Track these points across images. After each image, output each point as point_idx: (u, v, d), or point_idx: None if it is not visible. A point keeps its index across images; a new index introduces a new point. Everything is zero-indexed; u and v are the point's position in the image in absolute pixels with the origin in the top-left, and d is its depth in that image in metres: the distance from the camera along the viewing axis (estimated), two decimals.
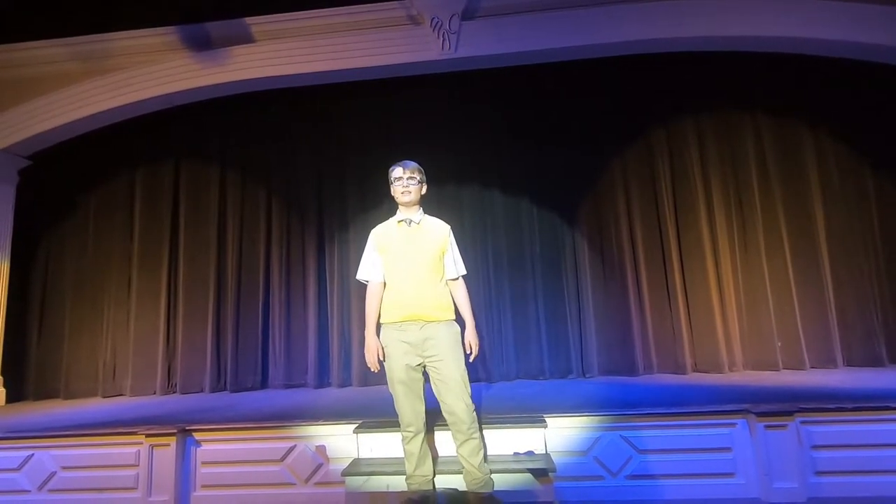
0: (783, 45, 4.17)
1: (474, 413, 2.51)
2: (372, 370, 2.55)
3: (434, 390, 2.50)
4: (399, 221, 2.63)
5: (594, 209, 4.69)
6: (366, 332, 2.59)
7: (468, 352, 2.56)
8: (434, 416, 2.68)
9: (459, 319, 2.60)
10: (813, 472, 2.78)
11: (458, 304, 2.63)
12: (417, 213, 2.63)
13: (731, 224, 4.53)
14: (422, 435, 2.54)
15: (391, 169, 2.64)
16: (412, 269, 2.52)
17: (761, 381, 3.82)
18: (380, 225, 2.71)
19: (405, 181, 2.58)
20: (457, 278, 2.65)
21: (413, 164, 2.63)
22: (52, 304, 5.02)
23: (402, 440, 2.55)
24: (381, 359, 2.54)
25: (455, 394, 2.44)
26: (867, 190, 4.48)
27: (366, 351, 2.56)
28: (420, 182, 2.62)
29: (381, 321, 2.57)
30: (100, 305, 4.97)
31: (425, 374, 2.55)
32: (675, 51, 4.32)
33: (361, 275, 2.68)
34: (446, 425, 2.56)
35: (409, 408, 2.50)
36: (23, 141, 4.63)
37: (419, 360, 2.49)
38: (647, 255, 4.53)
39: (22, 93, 4.62)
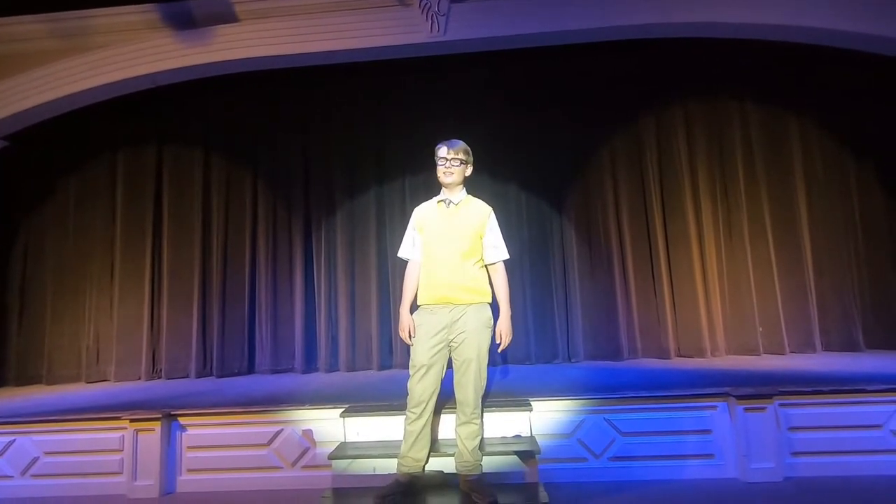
0: (773, 33, 4.17)
1: (481, 399, 2.53)
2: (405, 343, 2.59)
3: (454, 368, 2.52)
4: (439, 202, 2.63)
5: (582, 196, 4.71)
6: (401, 308, 2.62)
7: (498, 341, 2.53)
8: (442, 402, 2.69)
9: (495, 303, 2.58)
10: (790, 452, 2.87)
11: (495, 290, 2.59)
12: (458, 195, 2.62)
13: (717, 212, 4.58)
14: (425, 419, 2.51)
15: (437, 147, 2.61)
16: (447, 250, 2.52)
17: (742, 366, 3.89)
18: (423, 203, 2.72)
19: (448, 162, 2.56)
20: (495, 262, 2.61)
21: (460, 145, 2.60)
22: (33, 289, 4.91)
23: (406, 419, 2.54)
24: (412, 336, 2.55)
25: (468, 375, 2.46)
26: (849, 179, 4.54)
27: (399, 328, 2.59)
28: (463, 163, 2.59)
29: (417, 302, 2.57)
30: (82, 291, 4.88)
31: (449, 361, 2.55)
32: (665, 37, 4.31)
33: (402, 253, 2.71)
34: (451, 410, 2.58)
35: (423, 390, 2.47)
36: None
37: (445, 345, 2.49)
38: (634, 242, 4.57)
39: None
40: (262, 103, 4.95)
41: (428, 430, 2.56)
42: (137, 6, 4.35)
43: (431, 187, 4.48)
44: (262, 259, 4.82)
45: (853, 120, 4.53)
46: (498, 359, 4.50)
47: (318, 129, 4.93)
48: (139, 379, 4.66)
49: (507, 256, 2.65)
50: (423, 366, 2.47)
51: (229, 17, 4.35)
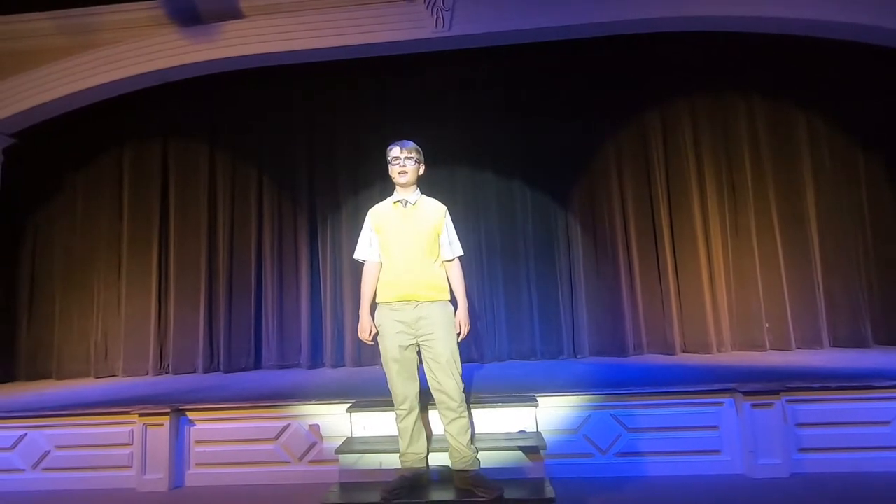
0: (778, 26, 4.14)
1: (463, 393, 2.54)
2: (366, 343, 2.64)
3: (426, 369, 2.53)
4: (395, 202, 2.63)
5: (587, 191, 4.69)
6: (360, 310, 2.64)
7: (457, 331, 2.57)
8: (428, 395, 2.71)
9: (455, 300, 2.61)
10: (797, 448, 2.86)
11: (452, 285, 2.64)
12: (414, 194, 2.63)
13: (723, 206, 4.55)
14: (415, 413, 2.57)
15: (389, 148, 2.63)
16: (407, 249, 2.54)
17: (748, 361, 3.88)
18: (377, 205, 2.73)
19: (402, 161, 2.58)
20: (452, 259, 2.65)
21: (411, 144, 2.62)
22: (42, 285, 4.96)
23: (396, 418, 2.58)
24: (373, 337, 2.59)
25: (445, 373, 2.47)
26: (857, 172, 4.50)
27: (359, 329, 2.62)
28: (417, 162, 2.62)
29: (377, 300, 2.60)
30: (90, 286, 4.91)
31: (419, 354, 2.57)
32: (671, 31, 4.28)
33: (358, 254, 2.71)
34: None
35: (402, 386, 2.53)
36: (7, 118, 4.51)
37: (412, 340, 2.52)
38: (640, 237, 4.55)
39: (5, 68, 4.49)
40: (268, 99, 4.95)
41: (420, 423, 2.62)
42: (144, 3, 4.36)
43: (433, 184, 4.43)
44: (268, 254, 4.84)
45: (861, 113, 4.48)
46: (503, 354, 4.52)
47: (324, 125, 4.93)
48: (147, 374, 4.70)
49: (461, 253, 2.71)
50: (394, 360, 2.51)
51: (234, 14, 4.36)
